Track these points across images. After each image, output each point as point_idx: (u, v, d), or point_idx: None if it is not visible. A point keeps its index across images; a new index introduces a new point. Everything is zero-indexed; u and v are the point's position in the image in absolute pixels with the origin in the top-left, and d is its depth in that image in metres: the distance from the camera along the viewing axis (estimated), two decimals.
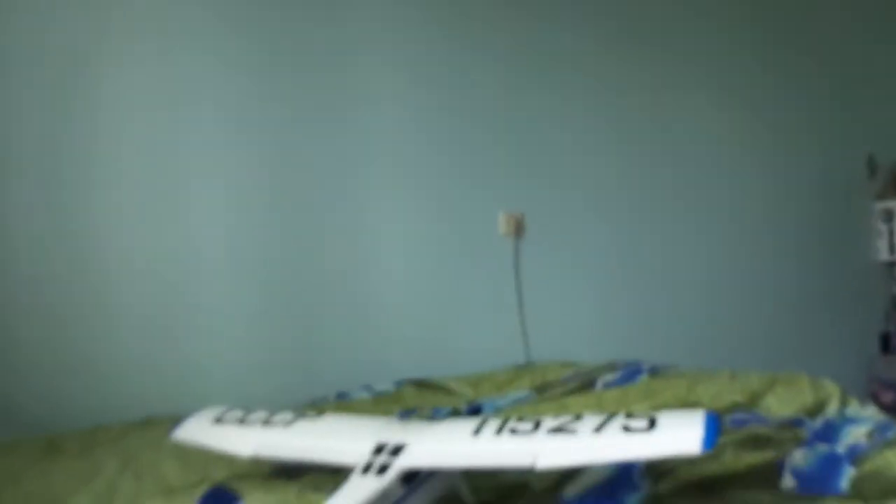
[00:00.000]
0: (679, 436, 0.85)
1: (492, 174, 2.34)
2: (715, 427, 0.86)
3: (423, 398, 1.85)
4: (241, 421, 1.16)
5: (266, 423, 1.14)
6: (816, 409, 1.43)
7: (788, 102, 2.85)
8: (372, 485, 0.90)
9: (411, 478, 0.94)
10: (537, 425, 0.94)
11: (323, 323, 2.12)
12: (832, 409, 1.42)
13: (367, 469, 0.93)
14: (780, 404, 1.46)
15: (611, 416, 0.92)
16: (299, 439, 1.10)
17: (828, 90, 2.94)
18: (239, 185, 2.05)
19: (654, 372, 1.77)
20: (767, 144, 2.81)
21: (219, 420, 1.18)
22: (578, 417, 0.94)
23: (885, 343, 3.06)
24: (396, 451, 0.95)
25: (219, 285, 2.01)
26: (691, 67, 2.68)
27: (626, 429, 0.88)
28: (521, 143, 2.39)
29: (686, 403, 1.48)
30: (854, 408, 1.44)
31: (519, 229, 2.35)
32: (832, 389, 1.50)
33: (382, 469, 0.92)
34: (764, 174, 2.80)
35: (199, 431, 1.18)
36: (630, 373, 1.78)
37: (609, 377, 1.78)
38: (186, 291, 1.98)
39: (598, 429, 0.90)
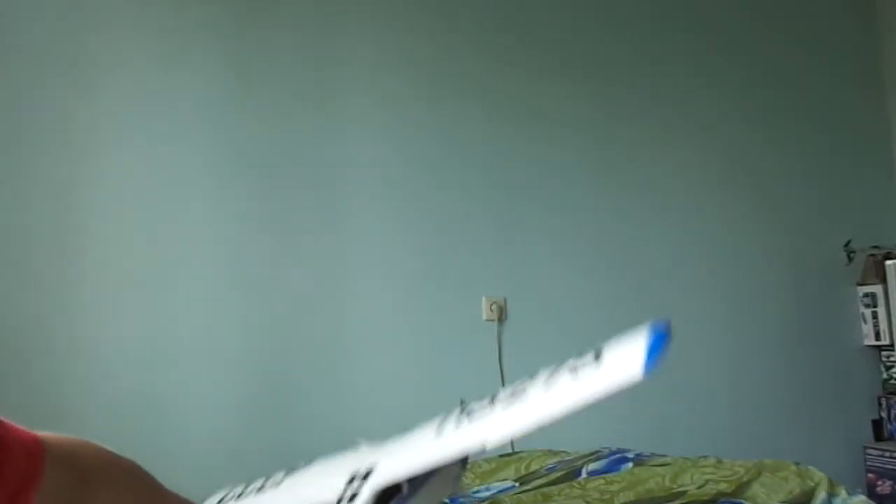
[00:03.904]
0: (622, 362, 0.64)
1: (474, 259, 2.36)
2: (661, 344, 0.60)
3: None
4: (239, 495, 1.13)
5: (260, 489, 1.11)
6: (804, 498, 1.39)
7: (769, 189, 2.93)
8: None
9: (391, 495, 0.90)
10: None
11: (303, 413, 2.08)
12: (820, 499, 1.39)
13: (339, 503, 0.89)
14: (766, 494, 1.42)
15: (557, 365, 0.77)
16: (286, 493, 1.06)
17: (805, 177, 3.03)
18: (221, 274, 2.06)
19: (640, 460, 1.73)
20: (745, 228, 2.86)
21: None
22: (531, 376, 0.80)
23: (878, 430, 3.01)
24: (367, 475, 0.92)
25: (197, 375, 1.99)
26: (675, 151, 2.76)
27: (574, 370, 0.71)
28: (503, 225, 2.42)
29: (671, 492, 1.44)
30: (842, 497, 1.41)
31: (501, 314, 2.35)
32: (819, 478, 1.47)
33: (352, 498, 0.89)
34: (743, 257, 2.83)
35: None
36: (615, 462, 1.74)
37: (593, 466, 1.73)
38: (163, 380, 1.95)
39: (549, 378, 0.76)
